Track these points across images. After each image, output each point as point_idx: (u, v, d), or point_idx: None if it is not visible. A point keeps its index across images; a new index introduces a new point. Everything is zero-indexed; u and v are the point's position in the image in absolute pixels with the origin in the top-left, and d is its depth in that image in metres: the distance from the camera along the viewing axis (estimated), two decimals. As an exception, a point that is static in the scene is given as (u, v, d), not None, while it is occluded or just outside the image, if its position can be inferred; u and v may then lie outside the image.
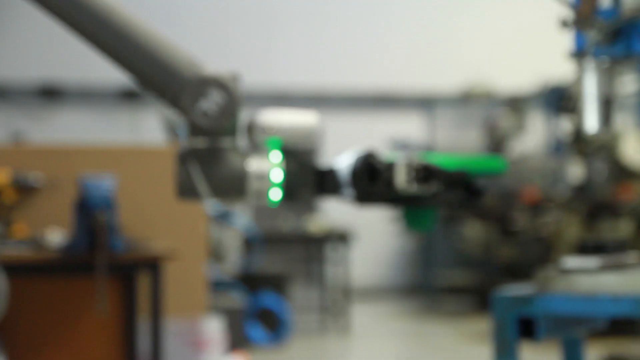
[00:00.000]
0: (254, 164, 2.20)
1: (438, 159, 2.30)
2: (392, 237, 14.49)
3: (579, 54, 2.65)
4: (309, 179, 2.25)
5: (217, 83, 2.15)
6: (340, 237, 9.70)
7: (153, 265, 4.69)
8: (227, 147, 2.20)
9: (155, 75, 2.15)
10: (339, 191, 2.26)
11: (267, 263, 10.13)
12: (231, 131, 2.19)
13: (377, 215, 13.43)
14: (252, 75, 11.83)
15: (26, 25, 13.30)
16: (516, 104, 12.01)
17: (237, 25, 13.69)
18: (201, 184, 2.18)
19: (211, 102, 2.15)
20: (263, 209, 14.97)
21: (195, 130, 2.17)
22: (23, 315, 5.07)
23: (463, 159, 2.32)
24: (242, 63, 12.30)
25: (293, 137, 2.23)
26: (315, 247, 12.64)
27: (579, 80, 2.58)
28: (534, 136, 12.41)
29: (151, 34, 2.18)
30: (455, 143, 13.07)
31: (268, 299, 8.38)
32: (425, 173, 2.23)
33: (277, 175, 2.21)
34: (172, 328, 5.28)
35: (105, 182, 4.61)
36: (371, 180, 2.22)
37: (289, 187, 2.22)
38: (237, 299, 7.06)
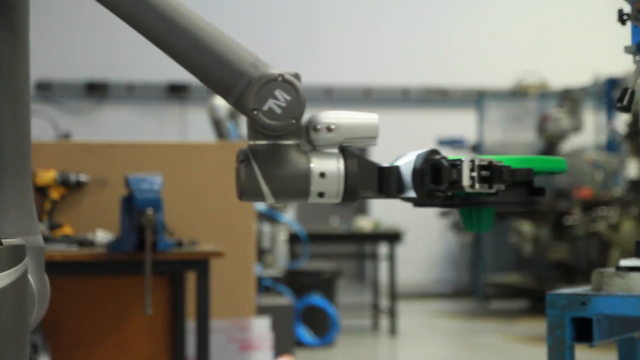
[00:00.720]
0: (316, 164, 2.17)
1: (497, 159, 2.25)
2: (441, 237, 14.40)
3: (637, 49, 2.58)
4: (370, 179, 2.21)
5: (285, 82, 2.12)
6: (392, 237, 9.62)
7: (201, 264, 4.65)
8: (290, 147, 2.15)
9: (220, 74, 2.11)
10: (400, 191, 2.23)
11: (317, 262, 10.09)
12: (293, 130, 2.15)
13: (426, 215, 13.35)
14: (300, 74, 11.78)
15: (70, 23, 13.38)
16: (572, 98, 11.84)
17: (283, 24, 13.67)
18: (264, 185, 2.14)
19: (279, 101, 2.11)
20: (313, 207, 14.97)
21: (257, 130, 2.13)
22: (69, 314, 5.07)
23: (523, 159, 2.27)
24: (289, 62, 12.28)
25: (354, 136, 2.19)
26: (367, 246, 12.60)
27: (634, 76, 2.50)
28: (587, 132, 12.25)
29: (216, 33, 2.14)
30: (507, 140, 12.93)
31: (316, 299, 8.33)
32: (491, 172, 2.18)
33: (339, 175, 2.17)
34: (220, 328, 5.24)
35: (153, 180, 4.58)
36: (435, 180, 2.18)
37: (351, 187, 2.19)
38: (285, 298, 7.02)
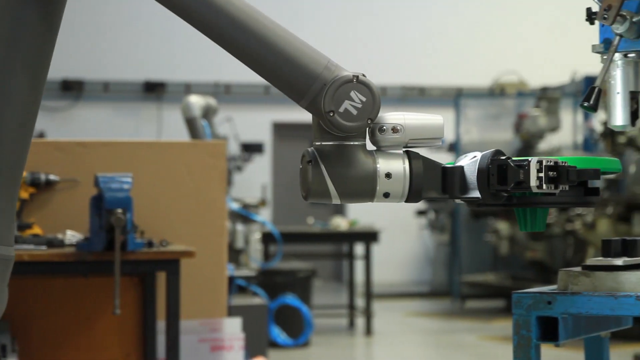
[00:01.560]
0: (382, 165, 2.18)
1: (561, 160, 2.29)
2: (418, 236, 14.40)
3: (604, 48, 2.57)
4: (435, 179, 2.23)
5: (360, 83, 2.12)
6: (368, 236, 9.61)
7: (171, 264, 4.62)
8: (357, 148, 2.17)
9: (293, 77, 2.11)
10: (464, 192, 2.24)
11: (293, 261, 10.07)
12: (360, 131, 2.17)
13: (402, 214, 13.35)
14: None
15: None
16: (549, 97, 11.86)
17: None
18: (331, 186, 2.16)
19: (354, 102, 2.12)
20: (289, 207, 14.95)
21: (325, 130, 2.15)
22: (38, 315, 5.03)
23: (578, 159, 2.30)
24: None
25: (420, 137, 2.21)
26: (343, 246, 12.58)
27: (601, 75, 2.49)
28: (564, 131, 12.27)
29: (288, 36, 2.13)
30: (485, 139, 12.94)
31: (290, 298, 8.30)
32: (558, 172, 2.22)
33: (404, 175, 2.19)
34: (191, 328, 5.21)
35: (123, 179, 4.55)
36: (501, 180, 2.20)
37: (416, 187, 2.20)
38: (259, 298, 6.99)
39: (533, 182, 2.18)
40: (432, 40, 14.65)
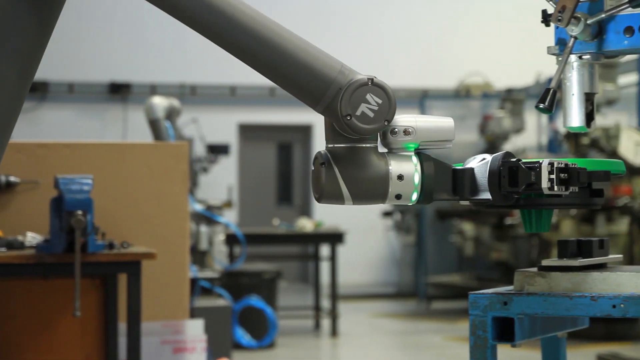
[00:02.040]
0: (394, 167, 2.20)
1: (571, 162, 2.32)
2: (384, 237, 14.42)
3: (559, 50, 2.58)
4: (445, 181, 2.26)
5: (375, 85, 2.15)
6: (334, 237, 9.60)
7: (132, 265, 4.60)
8: (369, 150, 2.19)
9: (308, 83, 2.12)
10: (474, 193, 2.27)
11: (259, 263, 10.05)
12: (377, 133, 2.19)
13: (368, 215, 13.36)
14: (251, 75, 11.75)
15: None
16: (514, 99, 11.91)
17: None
18: (344, 187, 2.18)
19: (371, 105, 2.14)
20: (255, 208, 14.92)
21: (337, 132, 2.16)
22: (-2, 317, 4.98)
23: (585, 161, 2.33)
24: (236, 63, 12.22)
25: (431, 139, 2.24)
26: (309, 247, 12.57)
27: (556, 76, 2.50)
28: (529, 132, 12.34)
29: (301, 43, 2.14)
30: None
31: (254, 300, 8.28)
32: (568, 174, 2.25)
33: (416, 177, 2.22)
34: (153, 330, 5.19)
35: (83, 181, 4.52)
36: (512, 182, 2.22)
37: (427, 189, 2.23)
38: (223, 299, 6.97)
39: (545, 183, 2.21)
40: (397, 41, 14.68)
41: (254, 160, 15.10)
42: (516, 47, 14.52)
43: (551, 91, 2.48)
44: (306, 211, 14.82)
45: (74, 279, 4.40)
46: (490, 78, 13.54)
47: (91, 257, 4.51)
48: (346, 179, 2.17)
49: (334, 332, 9.40)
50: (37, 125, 13.50)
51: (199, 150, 11.34)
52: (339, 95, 2.12)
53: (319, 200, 2.22)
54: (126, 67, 13.87)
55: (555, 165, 2.22)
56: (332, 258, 9.58)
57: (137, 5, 13.20)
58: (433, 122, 2.25)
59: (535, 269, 2.56)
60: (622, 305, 2.35)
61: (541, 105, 2.48)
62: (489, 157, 2.27)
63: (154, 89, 13.54)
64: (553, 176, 2.21)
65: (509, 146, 11.78)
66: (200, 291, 6.84)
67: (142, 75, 13.90)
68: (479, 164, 2.27)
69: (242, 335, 8.21)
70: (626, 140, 9.09)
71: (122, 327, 5.07)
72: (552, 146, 11.68)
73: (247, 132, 14.90)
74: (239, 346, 8.12)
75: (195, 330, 5.25)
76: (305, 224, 9.63)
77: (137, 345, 4.53)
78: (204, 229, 7.13)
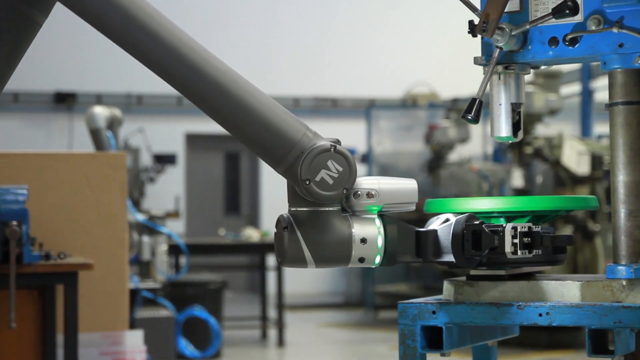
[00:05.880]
0: (357, 230, 2.19)
1: (530, 202, 2.36)
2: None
3: (486, 60, 2.59)
4: (409, 243, 2.26)
5: (337, 153, 2.13)
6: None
7: (69, 276, 4.55)
8: (331, 213, 2.18)
9: (272, 144, 2.11)
10: (437, 255, 2.28)
11: (205, 273, 10.00)
12: (335, 200, 2.18)
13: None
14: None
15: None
16: (459, 109, 11.97)
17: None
18: (307, 251, 2.17)
19: (331, 172, 2.13)
20: (201, 218, 14.86)
21: (299, 196, 2.15)
22: None
23: (556, 199, 2.37)
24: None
25: (394, 201, 2.23)
26: (256, 257, 12.54)
27: (482, 87, 2.51)
28: (474, 142, 12.41)
29: (268, 102, 2.13)
30: (397, 149, 13.03)
31: (198, 310, 8.23)
32: (532, 238, 2.26)
33: (379, 240, 2.21)
34: (92, 341, 5.14)
35: (18, 191, 4.47)
36: (475, 246, 2.23)
37: (390, 252, 2.23)
38: (166, 310, 6.92)
39: (508, 248, 2.24)
40: (344, 51, 14.71)
41: (201, 170, 15.04)
42: (462, 56, 14.61)
43: (477, 101, 2.49)
44: (254, 221, 14.80)
45: (9, 290, 4.35)
46: (436, 88, 13.62)
47: (27, 268, 4.46)
48: (309, 243, 2.16)
49: (280, 342, 9.38)
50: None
51: (146, 160, 11.28)
52: (300, 159, 2.11)
53: (281, 264, 2.22)
54: (72, 76, 13.77)
55: (519, 230, 2.23)
56: (279, 268, 9.57)
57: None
58: (396, 184, 2.24)
59: (464, 278, 2.57)
60: (547, 314, 2.37)
61: (469, 116, 2.49)
62: (452, 219, 2.27)
63: (99, 99, 13.46)
64: (516, 240, 2.23)
65: (454, 156, 11.84)
66: (142, 302, 6.78)
67: (88, 85, 13.81)
68: (442, 225, 2.28)
69: (186, 346, 8.16)
70: (569, 150, 9.17)
71: (61, 338, 5.03)
72: (498, 155, 11.76)
73: (194, 141, 14.86)
74: (182, 357, 8.06)
75: (134, 340, 5.21)
76: (252, 234, 9.61)
77: (74, 356, 4.50)
78: (146, 239, 7.09)
